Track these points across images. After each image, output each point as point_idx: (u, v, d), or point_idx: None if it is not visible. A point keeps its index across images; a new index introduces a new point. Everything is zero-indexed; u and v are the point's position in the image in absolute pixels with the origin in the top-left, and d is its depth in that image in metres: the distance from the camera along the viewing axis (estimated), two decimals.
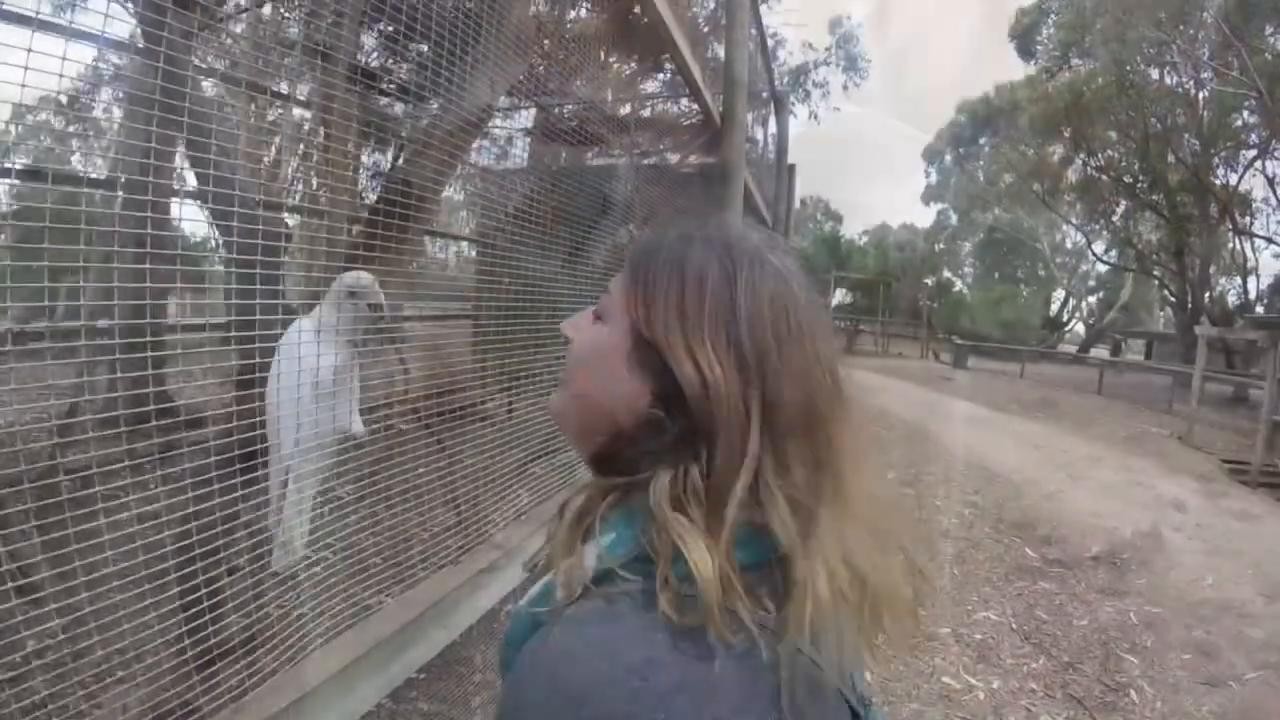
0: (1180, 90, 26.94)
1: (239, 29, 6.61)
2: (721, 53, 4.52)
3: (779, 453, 0.74)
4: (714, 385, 0.73)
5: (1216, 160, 27.91)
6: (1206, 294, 30.09)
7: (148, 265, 1.18)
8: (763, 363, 0.75)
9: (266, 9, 6.05)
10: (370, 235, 1.77)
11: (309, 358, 1.94)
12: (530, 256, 2.24)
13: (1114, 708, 4.41)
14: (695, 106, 4.42)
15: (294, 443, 1.95)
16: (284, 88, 5.25)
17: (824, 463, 0.77)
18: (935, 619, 5.41)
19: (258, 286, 1.37)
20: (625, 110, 4.39)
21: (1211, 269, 30.26)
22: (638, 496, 0.76)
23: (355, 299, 2.10)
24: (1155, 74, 27.30)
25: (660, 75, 4.53)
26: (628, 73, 4.24)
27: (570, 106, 2.95)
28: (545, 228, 2.28)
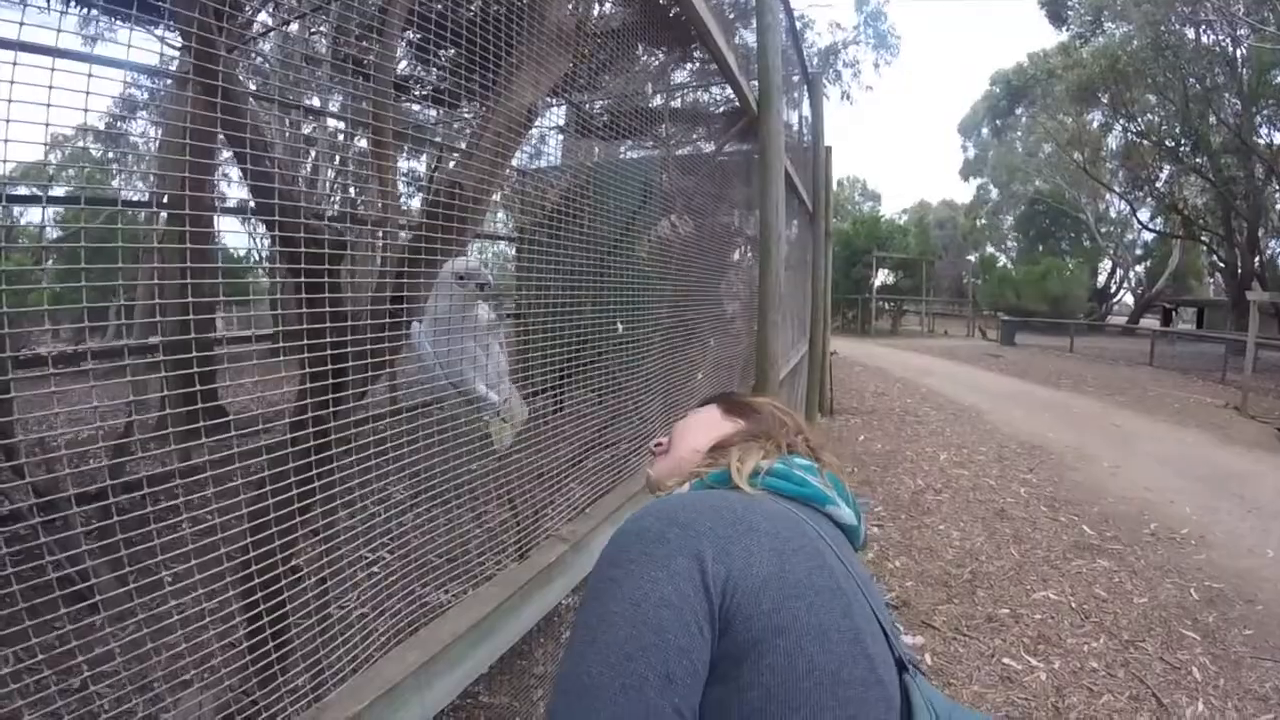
0: (1218, 49, 26.31)
1: (271, 47, 6.76)
2: (750, 39, 4.49)
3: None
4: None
5: (1259, 119, 27.26)
6: (1256, 258, 29.39)
7: (189, 280, 1.21)
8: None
9: (294, 27, 6.16)
10: (426, 239, 1.81)
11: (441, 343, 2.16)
12: (575, 252, 2.28)
13: (1177, 685, 4.37)
14: (729, 94, 4.40)
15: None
16: (323, 102, 5.37)
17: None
18: (995, 600, 5.40)
19: (325, 295, 1.40)
20: (661, 101, 4.39)
21: (1260, 231, 29.51)
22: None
23: (464, 281, 2.25)
24: (1190, 33, 26.67)
25: (690, 65, 4.51)
26: (659, 63, 4.23)
27: (607, 101, 2.96)
28: (586, 223, 2.30)
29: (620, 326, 2.55)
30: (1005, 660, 4.55)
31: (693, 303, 3.54)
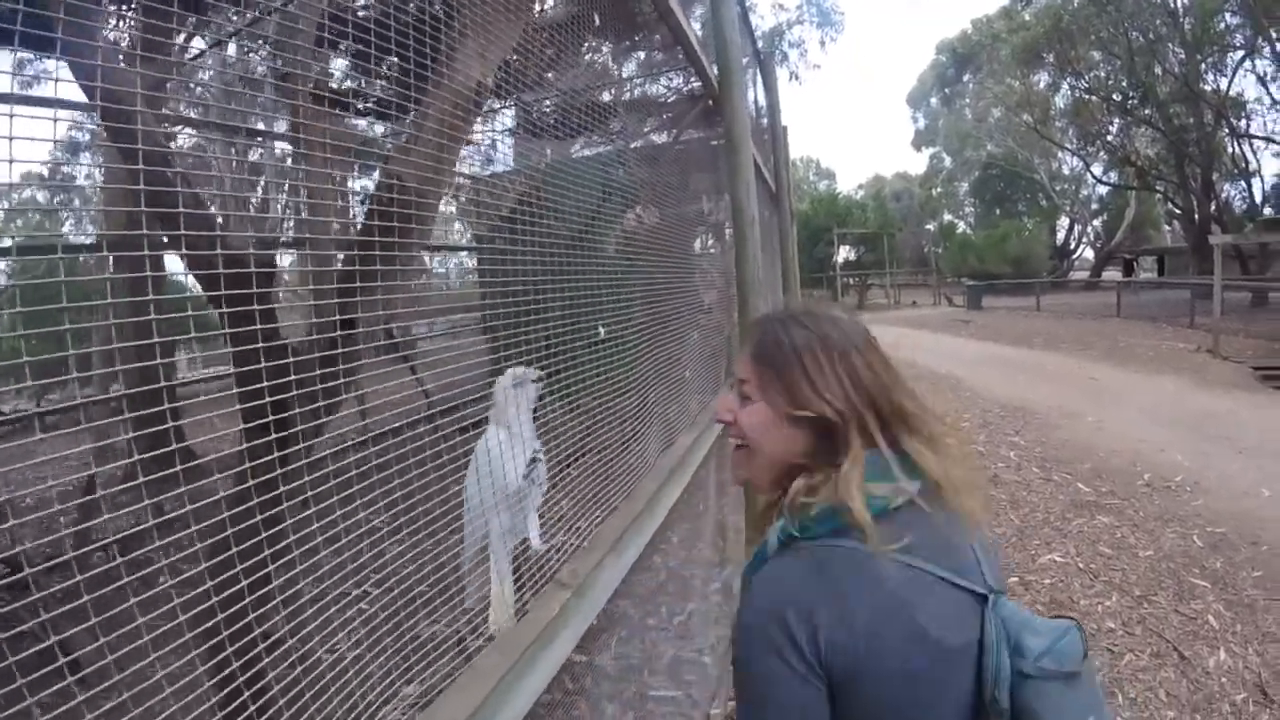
0: (1158, 1, 26.55)
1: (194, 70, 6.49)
2: (698, 28, 4.33)
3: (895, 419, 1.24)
4: (845, 413, 1.22)
5: (1204, 66, 27.60)
6: (1212, 202, 29.73)
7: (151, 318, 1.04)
8: (856, 386, 1.24)
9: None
10: (365, 255, 1.61)
11: (503, 459, 2.12)
12: (538, 254, 2.11)
13: (1195, 636, 4.32)
14: (686, 84, 4.25)
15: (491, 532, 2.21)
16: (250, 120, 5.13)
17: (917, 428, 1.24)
18: (1002, 568, 5.30)
19: (258, 327, 1.21)
20: (622, 88, 4.23)
21: (1214, 176, 29.87)
22: (781, 506, 1.26)
23: (520, 388, 2.32)
24: None
25: (645, 49, 4.36)
26: (619, 44, 4.07)
27: (563, 90, 2.78)
28: (548, 224, 2.13)
29: (603, 330, 2.40)
30: None
31: (672, 297, 3.40)
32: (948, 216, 54.27)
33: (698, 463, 3.02)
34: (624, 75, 4.34)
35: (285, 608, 1.26)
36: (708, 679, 3.74)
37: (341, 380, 1.46)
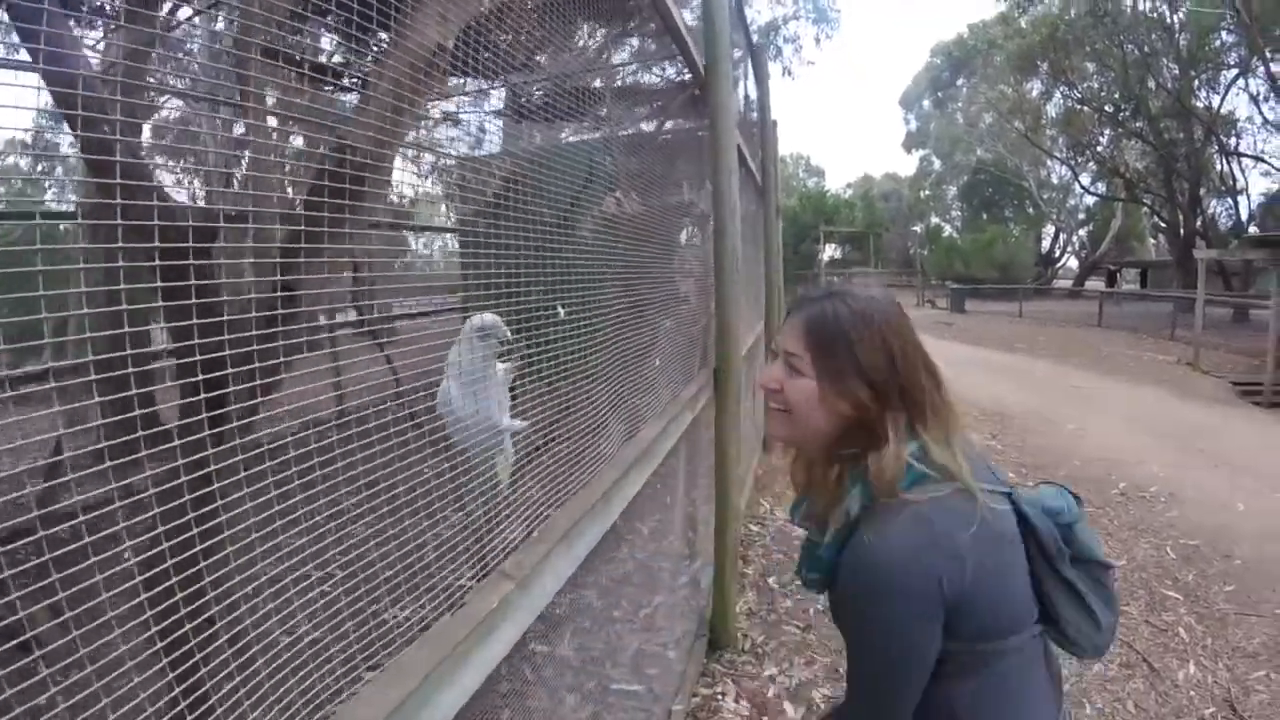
0: (1155, 14, 26.65)
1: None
2: (689, 17, 4.20)
3: (917, 408, 1.37)
4: (881, 388, 1.36)
5: (1198, 83, 27.71)
6: (1198, 218, 29.90)
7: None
8: (893, 363, 1.36)
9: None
10: (311, 220, 1.49)
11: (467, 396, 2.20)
12: (514, 241, 2.00)
13: (1166, 649, 4.27)
14: (683, 73, 4.15)
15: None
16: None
17: (936, 404, 1.39)
18: None
19: (193, 302, 1.09)
20: (608, 73, 4.11)
21: (1201, 191, 30.05)
22: (854, 463, 1.39)
23: (486, 337, 2.35)
24: (1128, 0, 26.96)
25: (635, 36, 4.25)
26: (596, 19, 3.94)
27: (547, 72, 2.66)
28: (524, 206, 2.01)
29: (562, 310, 2.30)
30: None
31: (643, 282, 3.29)
32: (935, 219, 54.44)
33: (664, 453, 2.93)
34: (599, 48, 4.22)
35: (215, 589, 1.15)
36: (671, 674, 3.66)
37: (281, 359, 1.35)
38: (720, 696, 3.78)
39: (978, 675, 1.35)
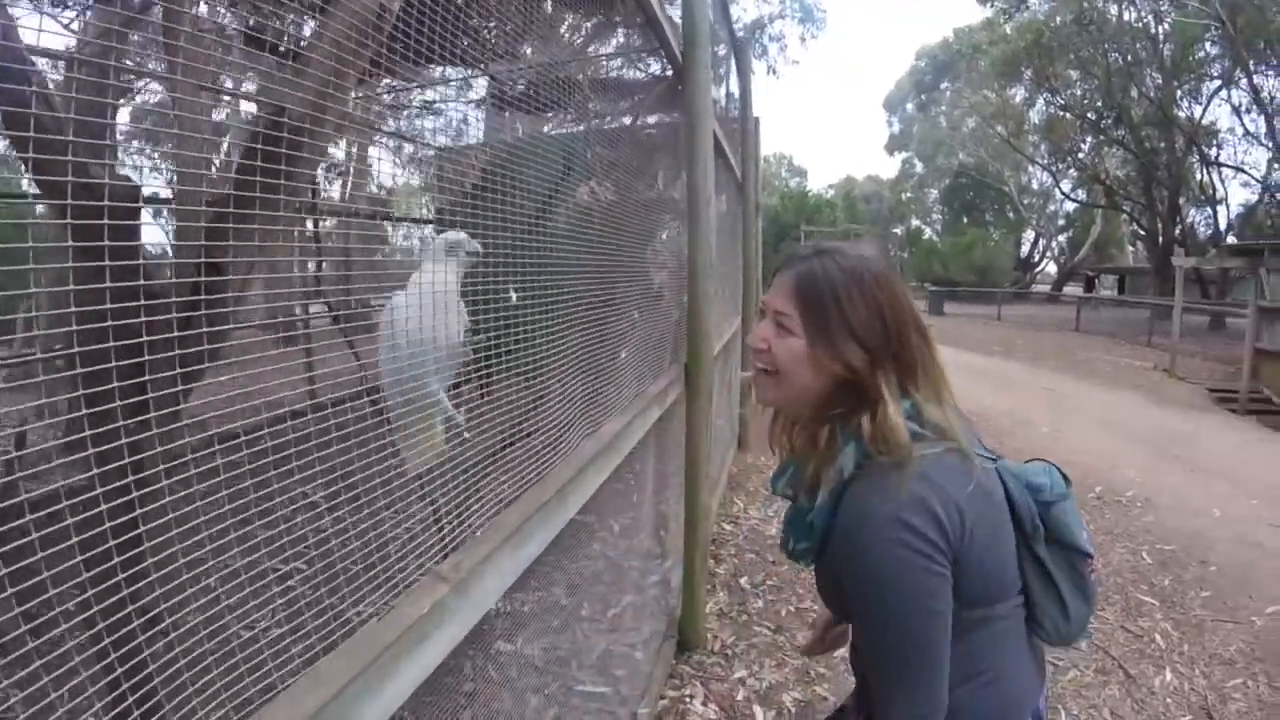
0: (1140, 24, 26.82)
1: None
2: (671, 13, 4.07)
3: (908, 368, 1.36)
4: (873, 348, 1.34)
5: (1180, 93, 27.93)
6: (1177, 226, 30.12)
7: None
8: (885, 323, 1.34)
9: None
10: (240, 195, 1.36)
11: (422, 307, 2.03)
12: (486, 231, 1.91)
13: (1141, 655, 4.20)
14: (665, 69, 4.03)
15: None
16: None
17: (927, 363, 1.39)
18: None
19: (107, 286, 0.96)
20: (581, 58, 3.99)
21: (1181, 200, 30.27)
22: (844, 421, 1.35)
23: (455, 250, 2.31)
24: (1114, 9, 27.17)
25: (609, 21, 4.13)
26: (581, 20, 3.83)
27: (526, 63, 2.54)
28: (498, 200, 1.90)
29: (514, 295, 2.19)
30: None
31: (610, 270, 3.16)
32: (915, 222, 54.70)
33: (628, 449, 2.81)
34: (571, 31, 4.11)
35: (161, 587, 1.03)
36: (639, 675, 3.56)
37: (206, 346, 1.21)
38: (688, 699, 3.68)
39: (962, 641, 1.31)
